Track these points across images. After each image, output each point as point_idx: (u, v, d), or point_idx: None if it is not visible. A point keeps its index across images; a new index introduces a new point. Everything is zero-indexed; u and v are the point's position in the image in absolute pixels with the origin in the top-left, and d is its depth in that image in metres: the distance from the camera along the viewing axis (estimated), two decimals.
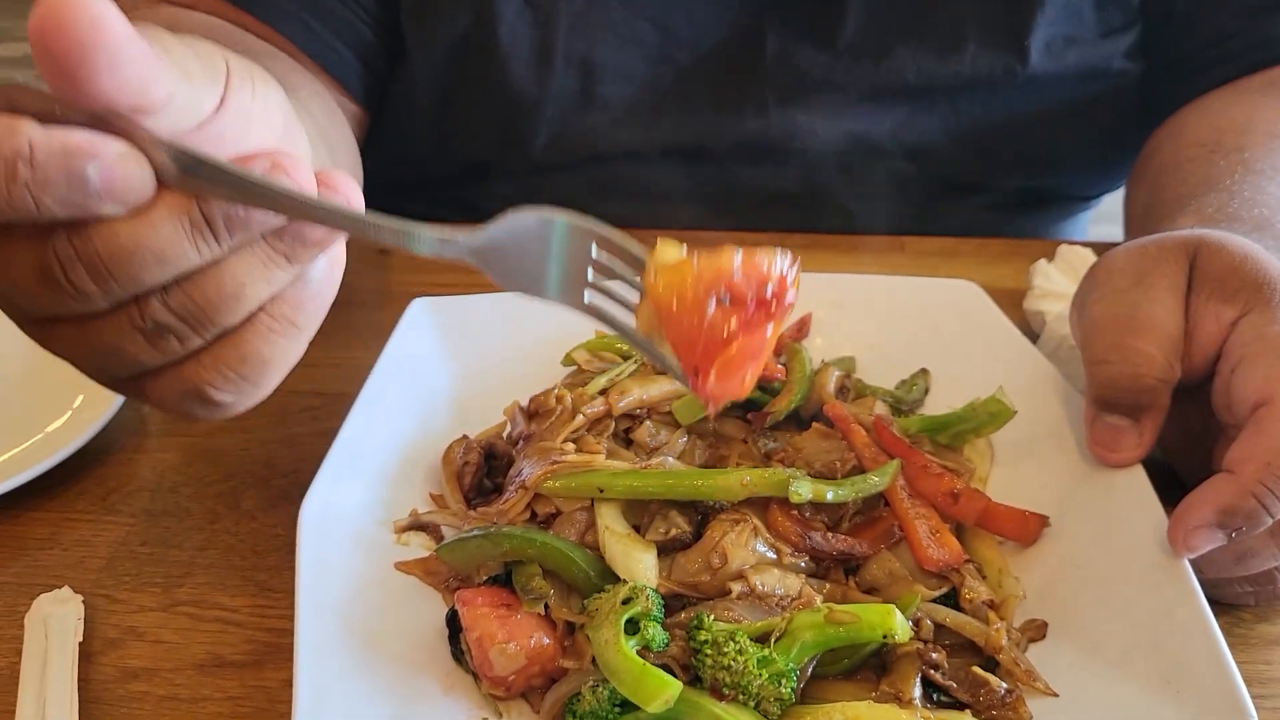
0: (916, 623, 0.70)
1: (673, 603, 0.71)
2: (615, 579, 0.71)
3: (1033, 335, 1.02)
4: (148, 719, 0.71)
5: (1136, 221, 1.16)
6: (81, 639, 0.75)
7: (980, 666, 0.68)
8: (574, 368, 0.93)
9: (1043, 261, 1.13)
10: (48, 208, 0.44)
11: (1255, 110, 1.09)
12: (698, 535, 0.74)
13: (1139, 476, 0.76)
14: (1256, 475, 0.67)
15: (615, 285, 0.57)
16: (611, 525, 0.74)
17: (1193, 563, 0.69)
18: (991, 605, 0.72)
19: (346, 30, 1.18)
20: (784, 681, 0.64)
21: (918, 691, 0.66)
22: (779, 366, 0.89)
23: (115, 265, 0.47)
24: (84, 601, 0.78)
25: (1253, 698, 0.61)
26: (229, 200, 0.48)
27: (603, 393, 0.85)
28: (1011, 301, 1.07)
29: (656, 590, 0.69)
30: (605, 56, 1.20)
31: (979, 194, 1.32)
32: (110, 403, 0.94)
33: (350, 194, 0.52)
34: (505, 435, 0.89)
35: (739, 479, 0.74)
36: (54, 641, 0.74)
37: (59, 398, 0.97)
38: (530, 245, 0.55)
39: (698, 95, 1.22)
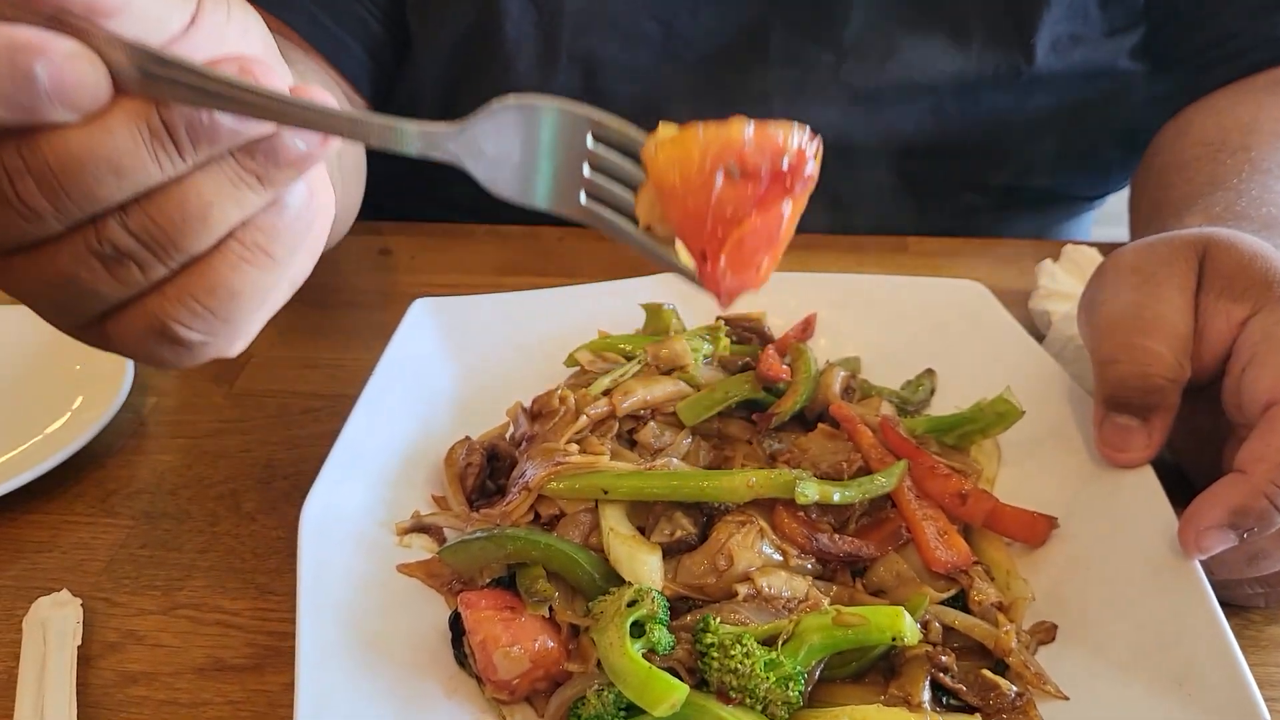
0: (925, 625, 0.69)
1: (678, 605, 0.70)
2: (620, 581, 0.70)
3: (1038, 335, 1.01)
4: None
5: (1142, 221, 1.16)
6: (80, 642, 0.74)
7: (990, 669, 0.67)
8: (577, 368, 0.92)
9: (1048, 261, 1.13)
10: None
11: (1260, 109, 1.08)
12: (703, 537, 0.73)
13: (1148, 477, 0.75)
14: (1269, 475, 0.67)
15: (615, 187, 0.53)
16: (616, 527, 0.73)
17: (1203, 564, 0.68)
18: (1000, 607, 0.72)
19: (355, 25, 1.18)
20: (791, 685, 0.64)
21: (927, 695, 0.66)
22: (784, 367, 0.88)
23: (67, 177, 0.44)
24: (83, 605, 0.77)
25: (1265, 700, 0.60)
26: (195, 105, 0.44)
27: (606, 393, 0.85)
28: (1017, 301, 1.07)
29: (662, 593, 0.69)
30: (610, 54, 1.19)
31: (984, 193, 1.32)
32: (110, 404, 0.93)
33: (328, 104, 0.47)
34: (508, 436, 0.88)
35: (745, 480, 0.73)
36: (52, 645, 0.73)
37: (58, 399, 0.96)
38: (519, 138, 0.50)
39: (702, 93, 1.22)
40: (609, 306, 1.00)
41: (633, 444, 0.84)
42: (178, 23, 0.46)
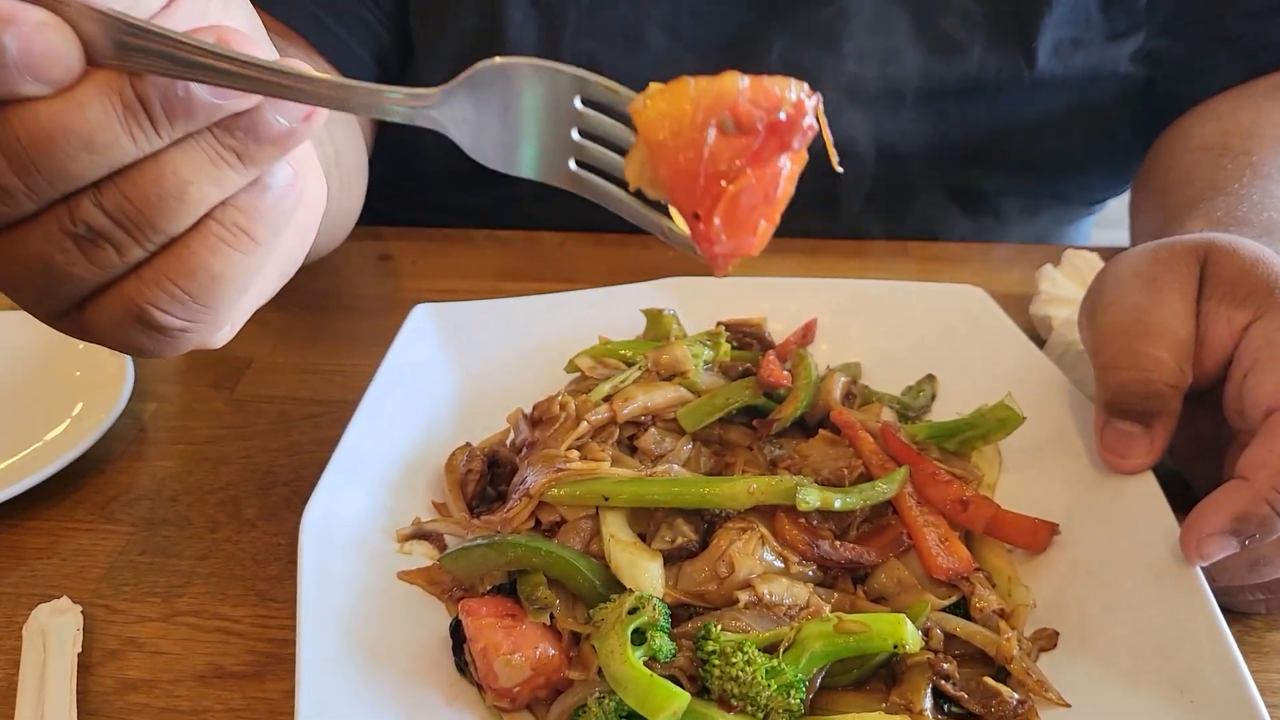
0: (926, 632, 0.69)
1: (679, 612, 0.70)
2: (621, 588, 0.70)
3: (1039, 341, 1.01)
4: None
5: (1143, 225, 1.16)
6: (80, 650, 0.74)
7: (991, 677, 0.67)
8: (577, 374, 0.92)
9: (1049, 266, 1.13)
10: None
11: (1261, 113, 1.08)
12: (704, 544, 0.73)
13: (1150, 483, 0.75)
14: (1270, 482, 0.66)
15: (605, 151, 0.50)
16: (617, 534, 0.73)
17: (1205, 570, 0.68)
18: (1002, 614, 0.72)
19: (363, 31, 1.18)
20: (793, 692, 0.63)
21: (928, 703, 0.66)
22: (785, 373, 0.88)
23: (37, 152, 0.42)
24: (83, 612, 0.77)
25: (1266, 706, 0.60)
26: (171, 76, 0.43)
27: (607, 399, 0.84)
28: (1018, 307, 1.07)
29: (663, 600, 0.69)
30: (612, 59, 1.19)
31: (985, 197, 1.32)
32: (110, 410, 0.93)
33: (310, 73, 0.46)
34: (508, 443, 0.88)
35: (746, 487, 0.73)
36: (52, 652, 0.73)
37: (58, 405, 0.96)
38: (502, 102, 0.48)
39: None
40: (609, 312, 1.00)
41: (633, 450, 0.83)
42: None
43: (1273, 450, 0.68)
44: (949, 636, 0.70)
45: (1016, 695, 0.66)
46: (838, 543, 0.74)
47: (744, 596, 0.69)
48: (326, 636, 0.68)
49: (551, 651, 0.68)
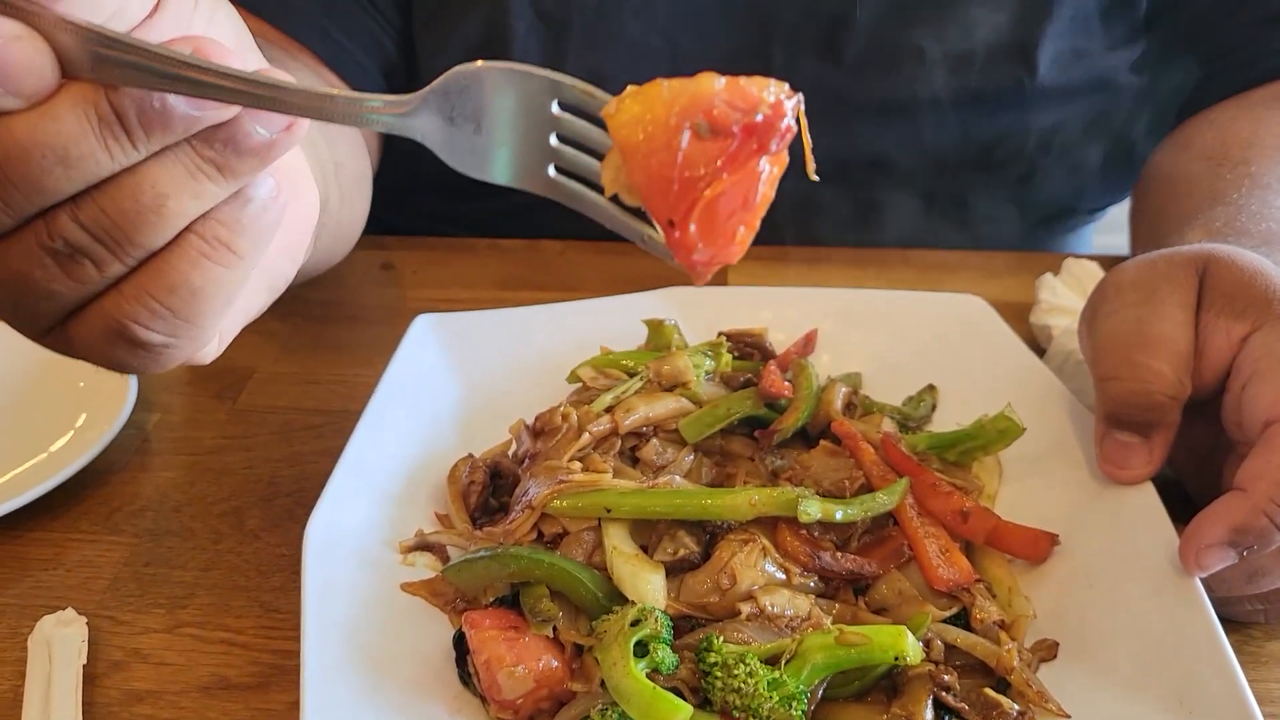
0: (927, 644, 0.69)
1: (681, 624, 0.71)
2: (623, 600, 0.70)
3: (1039, 350, 1.01)
4: None
5: (1142, 234, 1.16)
6: (85, 661, 0.74)
7: (992, 688, 0.67)
8: (579, 384, 0.92)
9: (1049, 276, 1.13)
10: None
11: (1261, 123, 1.08)
12: (706, 555, 0.74)
13: (1149, 494, 0.75)
14: (1268, 493, 0.67)
15: (582, 155, 0.49)
16: (619, 546, 0.73)
17: (1203, 581, 0.68)
18: (1002, 625, 0.72)
19: (369, 42, 1.19)
20: (795, 704, 0.64)
21: (929, 714, 0.66)
22: (786, 383, 0.89)
23: (12, 167, 0.42)
24: (88, 623, 0.77)
25: (1265, 716, 0.60)
26: (148, 87, 0.42)
27: (608, 410, 0.85)
28: (1017, 315, 1.07)
29: (665, 612, 0.69)
30: (616, 69, 1.20)
31: (986, 206, 1.32)
32: (113, 421, 0.93)
33: (288, 82, 0.45)
34: (510, 453, 0.89)
35: (747, 499, 0.73)
36: (58, 664, 0.74)
37: (62, 416, 0.96)
38: (477, 108, 0.47)
39: None
40: (611, 321, 1.01)
41: (635, 461, 0.84)
42: (139, 10, 0.44)
43: (1270, 462, 0.68)
44: (950, 648, 0.70)
45: (1017, 706, 0.66)
46: (839, 554, 0.74)
47: (746, 608, 0.69)
48: (330, 648, 0.68)
49: (554, 663, 0.68)
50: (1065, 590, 0.75)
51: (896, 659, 0.66)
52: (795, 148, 0.50)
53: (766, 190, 0.47)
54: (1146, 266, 0.79)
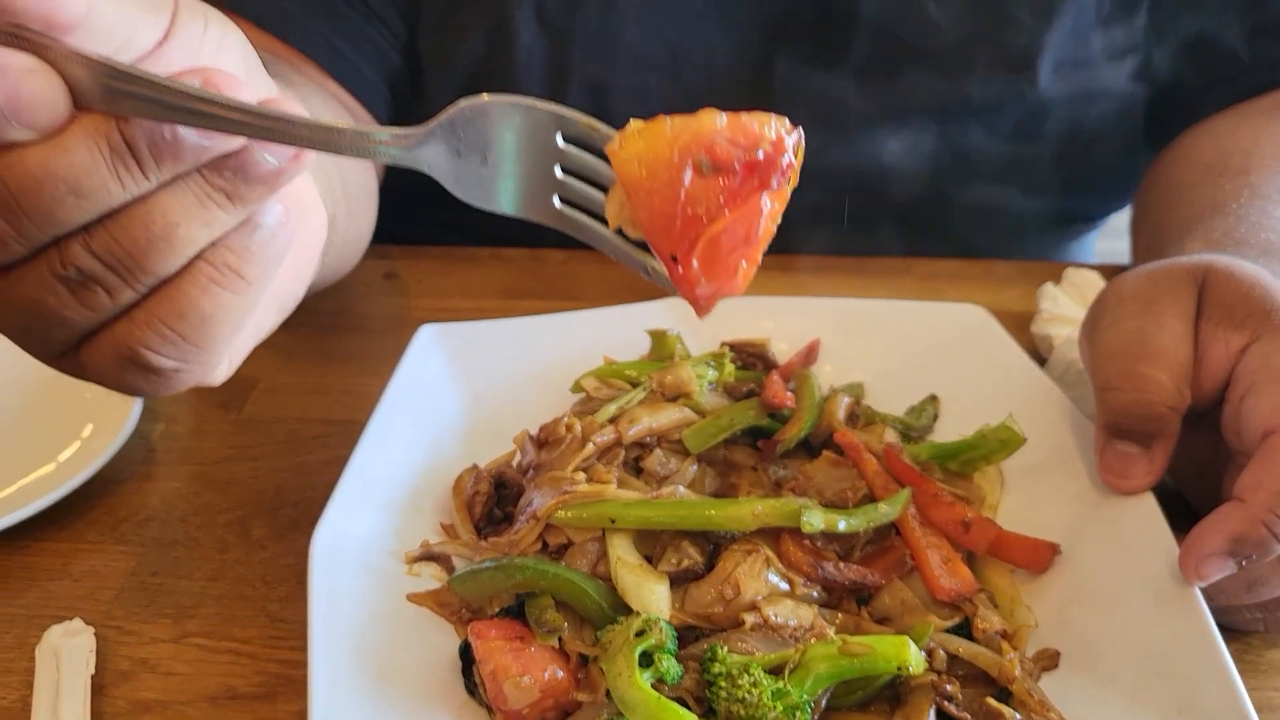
0: (930, 653, 0.70)
1: (686, 634, 0.71)
2: (628, 610, 0.71)
3: (1040, 359, 1.02)
4: None
5: (1143, 244, 1.17)
6: (94, 671, 0.75)
7: (994, 697, 0.68)
8: (582, 394, 0.93)
9: (1050, 285, 1.13)
10: None
11: (1261, 133, 1.09)
12: (710, 566, 0.74)
13: (1149, 504, 0.76)
14: (1267, 503, 0.67)
15: (587, 188, 0.50)
16: (623, 556, 0.73)
17: (1203, 590, 0.69)
18: (1004, 635, 0.72)
19: (374, 54, 1.19)
20: (798, 714, 0.64)
21: None
22: (788, 394, 0.89)
23: (25, 198, 0.43)
24: (95, 633, 0.78)
25: None
26: (158, 119, 0.43)
27: (612, 420, 0.85)
28: (1019, 325, 1.07)
29: (670, 622, 0.69)
30: (618, 78, 1.20)
31: (987, 215, 1.32)
32: (119, 431, 0.94)
33: (297, 115, 0.45)
34: (515, 464, 0.89)
35: (751, 509, 0.74)
36: (66, 674, 0.74)
37: (68, 427, 0.97)
38: (483, 140, 0.48)
39: None
40: (614, 331, 1.01)
41: (639, 471, 0.84)
42: (149, 38, 0.45)
43: (1269, 472, 0.68)
44: (952, 657, 0.71)
45: (1018, 715, 0.67)
46: (842, 564, 0.75)
47: (750, 618, 0.70)
48: (337, 658, 0.69)
49: (560, 674, 0.69)
50: (1066, 600, 0.75)
51: (899, 669, 0.66)
52: (810, 165, 0.51)
53: (768, 225, 0.48)
54: (1146, 277, 0.80)
